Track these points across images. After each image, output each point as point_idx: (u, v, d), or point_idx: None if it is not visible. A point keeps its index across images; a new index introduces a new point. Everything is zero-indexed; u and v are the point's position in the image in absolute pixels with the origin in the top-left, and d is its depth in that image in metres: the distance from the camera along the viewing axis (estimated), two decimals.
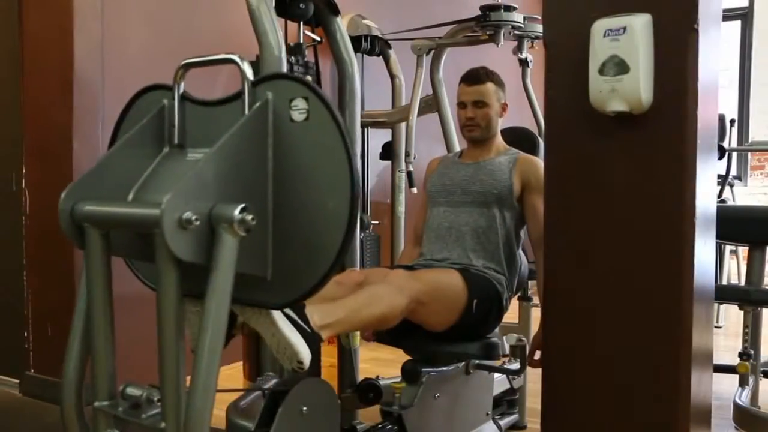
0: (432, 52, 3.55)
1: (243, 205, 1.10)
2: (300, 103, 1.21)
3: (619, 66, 1.37)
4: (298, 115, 1.21)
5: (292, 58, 2.21)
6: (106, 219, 1.19)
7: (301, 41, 2.33)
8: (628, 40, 1.36)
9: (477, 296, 2.08)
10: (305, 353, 1.36)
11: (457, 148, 3.42)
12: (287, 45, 1.98)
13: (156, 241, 1.07)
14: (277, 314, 1.35)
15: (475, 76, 2.34)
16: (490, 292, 2.15)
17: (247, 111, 1.21)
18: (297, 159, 1.22)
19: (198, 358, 1.08)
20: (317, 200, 1.21)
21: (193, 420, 1.08)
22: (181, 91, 1.31)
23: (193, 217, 1.07)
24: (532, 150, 2.50)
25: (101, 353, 1.22)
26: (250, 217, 1.11)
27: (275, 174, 1.23)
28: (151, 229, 1.07)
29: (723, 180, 4.42)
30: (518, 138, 2.54)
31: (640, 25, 1.36)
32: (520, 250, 2.35)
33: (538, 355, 2.04)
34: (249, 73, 1.23)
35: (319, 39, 2.47)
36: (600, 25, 1.40)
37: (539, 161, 2.25)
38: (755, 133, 6.82)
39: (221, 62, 1.26)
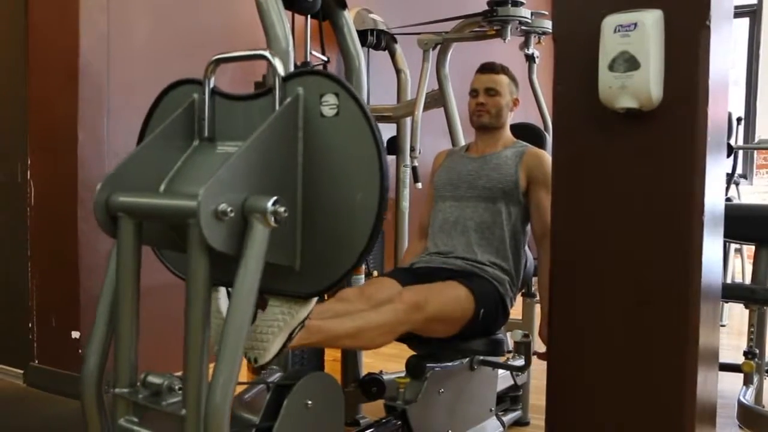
0: (438, 46, 3.53)
1: (275, 198, 1.14)
2: (330, 99, 1.24)
3: (629, 62, 1.36)
4: (328, 111, 1.25)
5: None
6: (141, 209, 1.22)
7: (308, 60, 2.31)
8: (639, 36, 1.35)
9: (484, 306, 2.07)
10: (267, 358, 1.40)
11: (463, 143, 3.41)
12: (294, 64, 1.97)
13: (190, 231, 1.11)
14: (303, 314, 1.39)
15: (491, 67, 2.35)
16: (496, 299, 2.14)
17: (278, 106, 1.25)
18: (327, 153, 1.25)
19: (223, 346, 1.10)
20: (346, 193, 1.25)
21: (215, 408, 1.09)
22: (212, 85, 1.33)
23: (228, 209, 1.11)
24: (539, 146, 2.48)
25: (125, 341, 1.25)
26: (282, 208, 1.14)
27: (305, 167, 1.27)
28: (185, 219, 1.11)
29: (729, 178, 4.41)
30: (525, 134, 2.53)
31: (651, 20, 1.35)
32: (525, 247, 2.34)
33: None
34: (280, 68, 1.26)
35: (326, 59, 2.48)
36: (610, 21, 1.39)
37: (546, 156, 2.24)
38: (762, 132, 6.80)
39: (252, 58, 1.31)
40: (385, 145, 1.25)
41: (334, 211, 1.25)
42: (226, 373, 1.10)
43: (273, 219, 1.13)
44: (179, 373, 1.22)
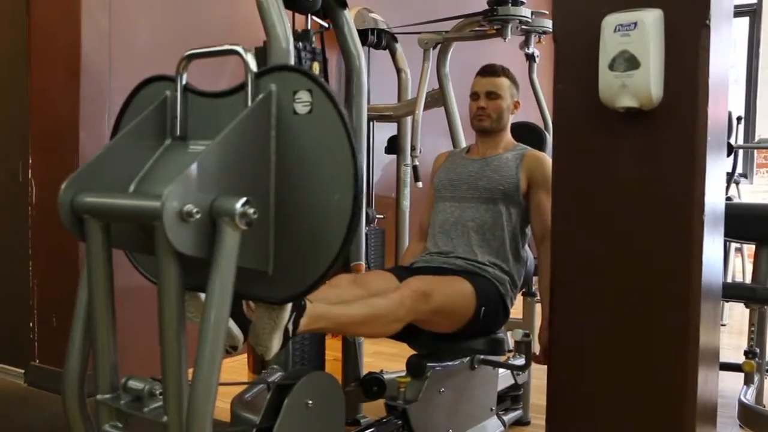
0: (439, 46, 3.54)
1: (245, 199, 1.09)
2: (304, 96, 1.19)
3: (629, 61, 1.36)
4: (301, 108, 1.20)
5: (300, 44, 2.20)
6: (106, 210, 1.17)
7: (309, 27, 2.32)
8: (639, 35, 1.35)
9: (485, 304, 2.08)
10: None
11: (463, 143, 3.42)
12: (294, 32, 1.96)
13: (156, 233, 1.06)
14: (285, 315, 1.37)
15: (491, 70, 2.34)
16: (497, 298, 2.15)
17: (250, 103, 1.20)
18: (300, 152, 1.21)
19: (200, 352, 1.07)
20: (320, 194, 1.20)
21: (195, 414, 1.07)
22: (184, 82, 1.29)
23: (194, 210, 1.05)
24: (539, 145, 2.49)
25: (103, 346, 1.21)
26: (251, 210, 1.09)
27: (278, 167, 1.21)
28: (151, 221, 1.05)
29: (729, 177, 4.41)
30: (525, 133, 2.53)
31: (651, 20, 1.35)
32: (526, 246, 2.34)
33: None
34: (252, 64, 1.21)
35: (326, 25, 2.46)
36: (610, 20, 1.39)
37: (546, 158, 2.24)
38: (762, 131, 6.80)
39: (224, 53, 1.25)
40: (360, 144, 1.22)
41: (309, 213, 1.20)
42: (206, 378, 1.06)
43: (242, 221, 1.08)
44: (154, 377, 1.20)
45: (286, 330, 1.47)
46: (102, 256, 1.19)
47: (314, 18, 2.41)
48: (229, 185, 1.12)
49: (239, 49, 1.22)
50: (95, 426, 1.24)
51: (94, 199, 1.17)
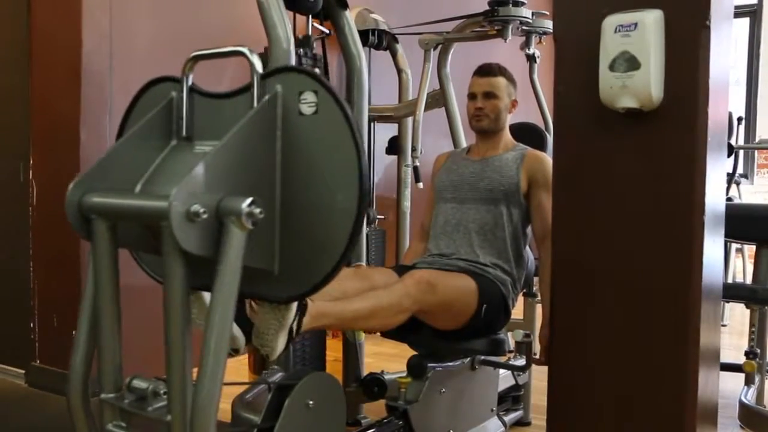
0: (439, 46, 3.54)
1: (251, 199, 1.09)
2: (309, 97, 1.20)
3: (629, 62, 1.36)
4: (307, 109, 1.21)
5: (301, 50, 2.20)
6: (113, 211, 1.18)
7: (310, 33, 2.32)
8: (640, 36, 1.36)
9: (487, 302, 2.08)
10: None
11: (464, 143, 3.41)
12: (295, 38, 1.97)
13: (163, 233, 1.06)
14: (291, 315, 1.40)
15: (488, 69, 2.34)
16: (498, 297, 2.15)
17: (256, 104, 1.21)
18: (305, 152, 1.21)
19: (205, 351, 1.08)
20: (325, 194, 1.20)
21: (200, 413, 1.07)
22: (190, 83, 1.30)
23: (201, 210, 1.06)
24: (540, 146, 2.49)
25: (108, 345, 1.22)
26: (258, 210, 1.10)
27: (283, 167, 1.22)
28: (158, 221, 1.06)
29: (730, 178, 4.40)
30: (526, 133, 2.53)
31: (651, 21, 1.35)
32: (527, 247, 2.34)
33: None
34: (258, 65, 1.22)
35: (327, 31, 2.47)
36: (611, 21, 1.39)
37: (547, 158, 2.24)
38: (762, 131, 6.79)
39: (230, 54, 1.26)
40: (364, 144, 1.22)
41: (313, 213, 1.21)
42: (210, 378, 1.07)
43: (249, 221, 1.09)
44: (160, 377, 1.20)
45: (290, 330, 1.47)
46: (108, 255, 1.19)
47: (315, 25, 2.41)
48: (235, 185, 1.12)
49: (245, 50, 1.23)
50: (99, 425, 1.24)
51: (102, 199, 1.18)
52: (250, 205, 1.09)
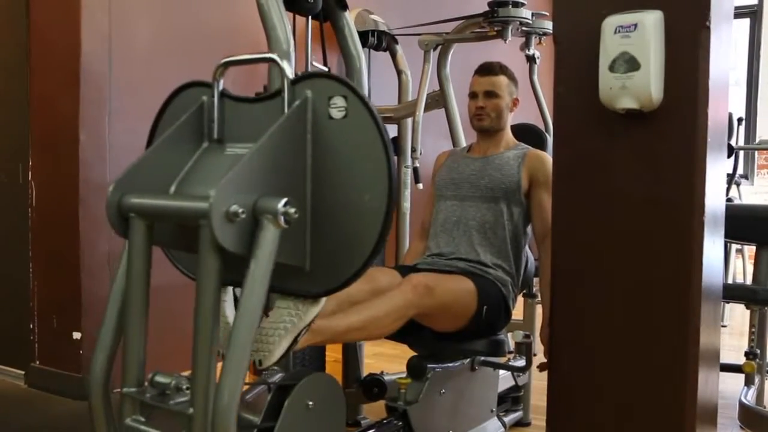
0: (439, 47, 3.54)
1: (286, 199, 1.15)
2: (339, 101, 1.26)
3: (629, 63, 1.36)
4: (336, 113, 1.27)
5: None
6: (152, 210, 1.24)
7: (308, 45, 2.32)
8: (640, 36, 1.36)
9: (486, 303, 2.08)
10: (273, 360, 1.46)
11: (464, 144, 3.41)
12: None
13: (202, 232, 1.12)
14: (311, 316, 1.43)
15: (489, 68, 2.33)
16: (498, 299, 2.15)
17: (286, 109, 1.27)
18: (335, 155, 1.27)
19: (232, 346, 1.11)
20: (355, 194, 1.26)
21: (223, 408, 1.10)
22: (221, 88, 1.35)
23: (240, 210, 1.12)
24: (540, 146, 2.48)
25: (134, 341, 1.26)
26: (292, 210, 1.16)
27: (314, 168, 1.28)
28: (197, 220, 1.12)
29: (730, 179, 4.41)
30: (526, 134, 2.53)
31: (651, 21, 1.35)
32: (527, 247, 2.34)
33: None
34: (288, 71, 1.28)
35: (327, 68, 2.48)
36: (611, 22, 1.39)
37: (548, 157, 2.24)
38: (762, 132, 6.79)
39: (260, 61, 1.32)
40: (392, 147, 1.26)
41: (343, 212, 1.27)
42: (235, 373, 1.11)
43: (283, 220, 1.15)
44: (186, 373, 1.23)
45: (296, 338, 1.46)
46: (143, 253, 1.25)
47: (314, 63, 2.41)
48: (269, 186, 1.18)
49: (275, 57, 1.29)
50: (118, 419, 1.27)
51: (143, 200, 1.24)
52: (285, 205, 1.15)
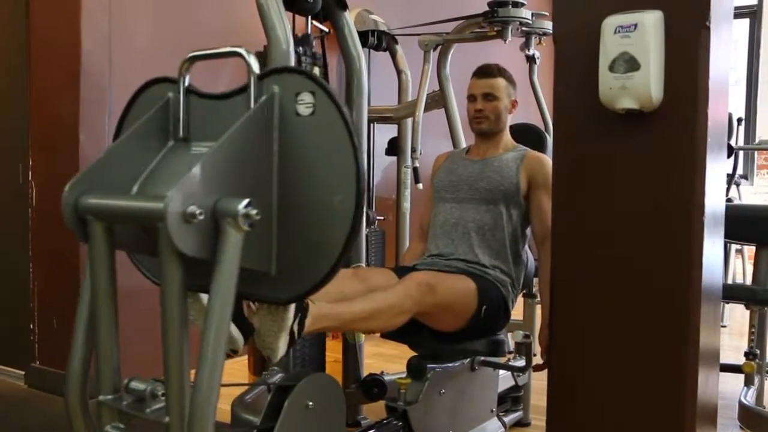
0: (439, 47, 3.54)
1: (248, 200, 1.09)
2: (306, 98, 1.20)
3: (629, 63, 1.36)
4: (304, 110, 1.20)
5: (300, 49, 2.20)
6: (109, 212, 1.17)
7: (309, 32, 2.32)
8: (639, 36, 1.35)
9: (487, 303, 2.09)
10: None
11: (464, 144, 3.41)
12: (294, 36, 1.96)
13: (160, 234, 1.06)
14: (290, 316, 1.43)
15: (487, 71, 2.33)
16: (498, 299, 2.15)
17: (252, 105, 1.21)
18: (302, 153, 1.21)
19: (203, 353, 1.07)
20: (322, 195, 1.20)
21: (198, 415, 1.07)
22: (187, 84, 1.30)
23: (198, 211, 1.06)
24: (540, 147, 2.49)
25: (105, 347, 1.21)
26: (254, 211, 1.10)
27: (281, 168, 1.22)
28: (154, 222, 1.06)
29: (730, 179, 4.41)
30: (526, 135, 2.53)
31: (651, 21, 1.35)
32: (526, 248, 2.34)
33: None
34: (255, 66, 1.22)
35: (326, 30, 2.47)
36: (611, 22, 1.39)
37: (546, 159, 2.24)
38: (762, 132, 6.79)
39: (227, 55, 1.26)
40: (361, 145, 1.22)
41: (311, 214, 1.21)
42: (208, 379, 1.07)
43: (245, 222, 1.09)
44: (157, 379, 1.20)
45: (291, 331, 1.49)
46: (105, 257, 1.19)
47: (314, 23, 2.41)
48: (232, 187, 1.12)
49: (242, 50, 1.23)
50: (97, 427, 1.24)
51: (98, 200, 1.17)
52: (246, 206, 1.09)
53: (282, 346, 1.48)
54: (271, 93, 1.21)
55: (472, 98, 2.33)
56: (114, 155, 1.24)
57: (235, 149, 1.14)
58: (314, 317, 1.63)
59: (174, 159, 1.28)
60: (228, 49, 1.26)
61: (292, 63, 1.92)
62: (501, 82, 2.31)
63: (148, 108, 1.31)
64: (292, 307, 1.42)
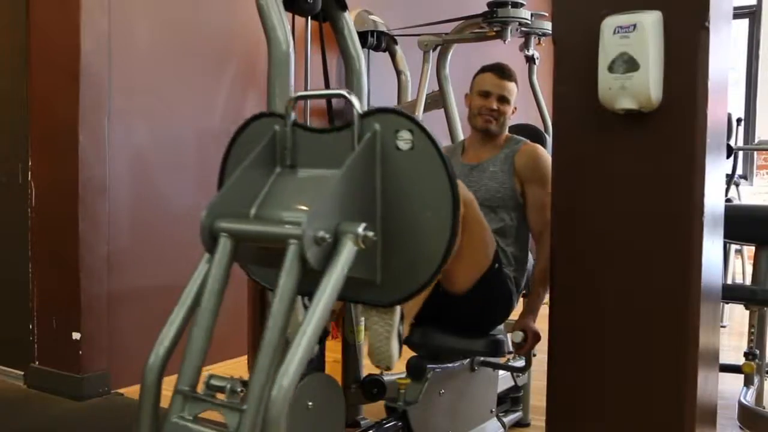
0: (438, 48, 3.55)
1: (365, 224, 1.31)
2: (405, 134, 1.42)
3: (628, 63, 1.36)
4: (403, 145, 1.42)
5: None
6: (243, 233, 1.40)
7: (308, 45, 2.32)
8: (638, 37, 1.36)
9: (499, 263, 2.08)
10: (395, 360, 1.63)
11: None
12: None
13: (289, 251, 1.29)
14: (397, 317, 1.59)
15: (507, 72, 2.31)
16: (505, 282, 2.14)
17: (356, 140, 1.42)
18: (402, 181, 1.43)
19: (294, 347, 1.21)
20: (421, 216, 1.41)
21: (277, 402, 1.19)
22: (293, 119, 1.51)
23: (327, 236, 1.29)
24: None
25: (197, 343, 1.36)
26: (371, 233, 1.32)
27: (383, 194, 1.44)
28: (285, 243, 1.29)
29: (729, 179, 4.41)
30: (525, 135, 2.52)
31: (650, 22, 1.36)
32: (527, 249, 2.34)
33: (519, 337, 2.05)
34: (358, 106, 1.43)
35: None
36: (610, 22, 1.39)
37: (537, 151, 2.24)
38: (761, 132, 6.79)
39: (332, 96, 1.39)
40: (453, 173, 1.41)
41: (410, 233, 1.42)
42: (292, 374, 1.19)
43: (362, 241, 1.31)
44: (238, 377, 1.34)
45: (399, 334, 1.61)
46: (225, 267, 1.39)
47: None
48: (347, 212, 1.34)
49: (345, 92, 1.46)
50: (160, 415, 1.35)
51: (235, 225, 1.40)
52: (365, 229, 1.31)
53: (395, 349, 1.59)
54: (374, 130, 1.42)
55: (486, 94, 2.29)
56: (237, 183, 1.45)
57: (348, 180, 1.36)
58: (406, 316, 1.73)
59: (284, 184, 1.51)
60: (333, 91, 1.61)
61: (292, 62, 1.93)
62: (514, 87, 2.31)
63: (253, 140, 1.55)
64: (398, 308, 1.55)
